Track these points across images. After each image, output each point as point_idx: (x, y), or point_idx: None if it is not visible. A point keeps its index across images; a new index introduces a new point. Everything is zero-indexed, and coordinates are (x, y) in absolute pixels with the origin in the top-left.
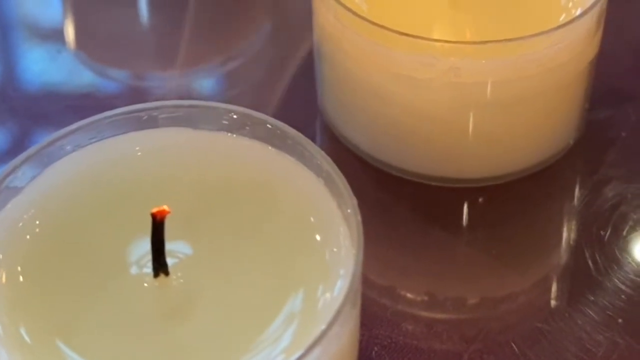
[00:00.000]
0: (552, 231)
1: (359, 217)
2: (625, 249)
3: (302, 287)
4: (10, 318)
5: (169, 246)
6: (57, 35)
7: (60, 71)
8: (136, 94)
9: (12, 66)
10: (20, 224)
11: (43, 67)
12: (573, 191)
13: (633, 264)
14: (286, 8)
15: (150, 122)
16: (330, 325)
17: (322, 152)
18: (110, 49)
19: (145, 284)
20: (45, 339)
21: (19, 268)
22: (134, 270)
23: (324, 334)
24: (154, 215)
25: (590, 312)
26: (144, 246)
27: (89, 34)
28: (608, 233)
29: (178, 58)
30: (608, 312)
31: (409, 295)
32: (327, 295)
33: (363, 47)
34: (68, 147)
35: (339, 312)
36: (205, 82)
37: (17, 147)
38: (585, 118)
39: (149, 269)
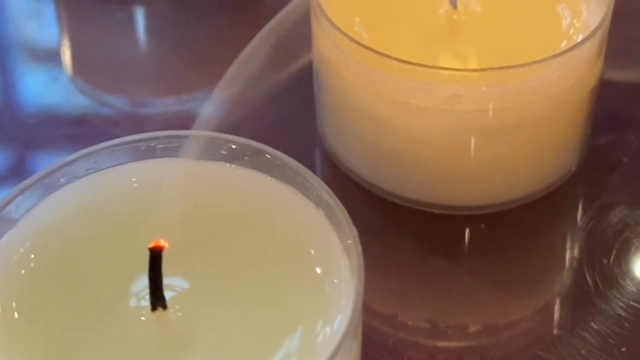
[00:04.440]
0: (554, 258)
1: (360, 249)
2: (628, 276)
3: (301, 320)
4: (6, 354)
5: (166, 280)
6: (53, 61)
7: (57, 97)
8: (134, 121)
9: (8, 93)
10: (15, 258)
11: (39, 93)
12: (575, 217)
13: (636, 291)
14: (285, 34)
15: (148, 153)
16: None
17: (322, 183)
18: (108, 74)
19: (143, 318)
20: None
21: (14, 304)
22: (131, 303)
23: None
24: (151, 250)
25: (593, 340)
26: (142, 279)
27: (86, 60)
28: (611, 260)
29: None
30: (610, 340)
31: (410, 323)
32: (327, 329)
33: (363, 75)
34: (64, 179)
35: (339, 346)
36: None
37: (12, 175)
38: (587, 144)
39: (146, 302)
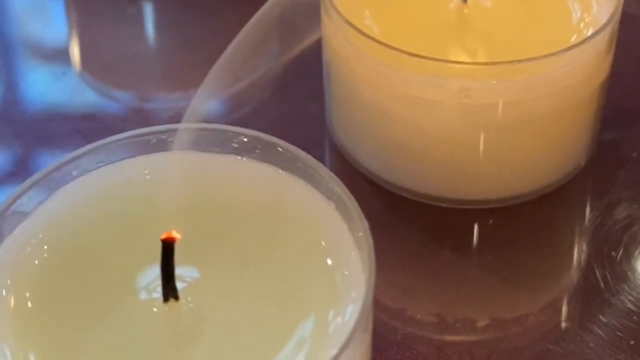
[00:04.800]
0: (562, 252)
1: (371, 241)
2: (636, 270)
3: (312, 311)
4: (19, 344)
5: (178, 270)
6: (61, 56)
7: (65, 93)
8: (142, 116)
9: (17, 88)
10: (29, 249)
11: (47, 88)
12: (584, 212)
13: None
14: (295, 28)
15: (159, 146)
16: (341, 350)
17: (333, 175)
18: (116, 70)
19: (155, 309)
20: None
21: (27, 294)
22: (143, 295)
23: (335, 358)
24: (163, 241)
25: (602, 334)
26: (153, 270)
27: (94, 55)
28: (619, 254)
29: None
30: (619, 334)
31: (419, 317)
32: (339, 319)
33: (373, 68)
34: (75, 172)
35: (350, 337)
36: (213, 104)
37: (22, 170)
38: (596, 139)
39: (158, 293)
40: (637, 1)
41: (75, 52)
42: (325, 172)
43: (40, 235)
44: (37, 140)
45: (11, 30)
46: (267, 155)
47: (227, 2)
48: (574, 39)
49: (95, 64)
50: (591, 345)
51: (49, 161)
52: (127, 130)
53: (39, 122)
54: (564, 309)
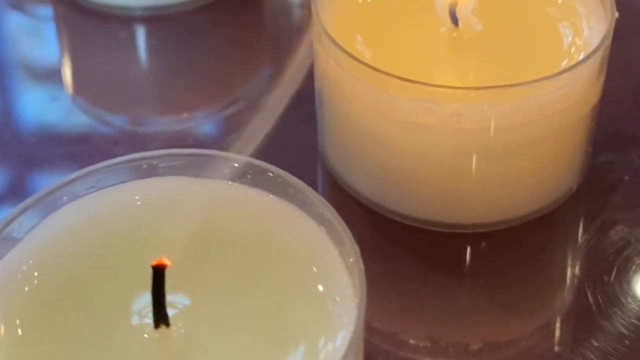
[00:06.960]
0: (555, 276)
1: (362, 267)
2: (629, 294)
3: (303, 337)
4: None
5: (169, 297)
6: (54, 79)
7: (57, 116)
8: (135, 140)
9: (9, 111)
10: (19, 276)
11: (40, 112)
12: (576, 236)
13: (637, 308)
14: (287, 52)
15: (150, 171)
16: None
17: (324, 201)
18: (108, 93)
19: (146, 335)
20: None
21: (17, 321)
22: (134, 321)
23: None
24: (154, 268)
25: (594, 358)
26: (144, 297)
27: (87, 79)
28: (612, 278)
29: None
30: (612, 358)
31: (411, 341)
32: (329, 345)
33: (364, 93)
34: (66, 197)
35: None
36: (205, 128)
37: (13, 194)
38: (588, 162)
39: (149, 319)
40: (626, 24)
41: (68, 75)
42: (316, 198)
43: (31, 262)
44: (28, 164)
45: (3, 53)
46: (258, 181)
47: (219, 26)
48: (565, 63)
49: (87, 88)
50: None
51: (41, 185)
52: (119, 154)
53: (30, 145)
54: (557, 333)
